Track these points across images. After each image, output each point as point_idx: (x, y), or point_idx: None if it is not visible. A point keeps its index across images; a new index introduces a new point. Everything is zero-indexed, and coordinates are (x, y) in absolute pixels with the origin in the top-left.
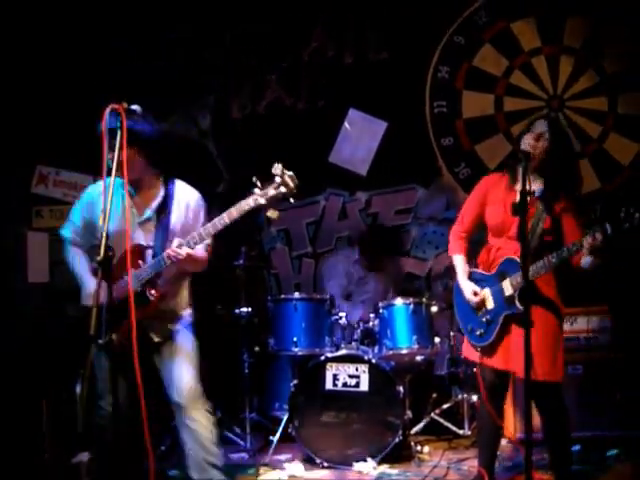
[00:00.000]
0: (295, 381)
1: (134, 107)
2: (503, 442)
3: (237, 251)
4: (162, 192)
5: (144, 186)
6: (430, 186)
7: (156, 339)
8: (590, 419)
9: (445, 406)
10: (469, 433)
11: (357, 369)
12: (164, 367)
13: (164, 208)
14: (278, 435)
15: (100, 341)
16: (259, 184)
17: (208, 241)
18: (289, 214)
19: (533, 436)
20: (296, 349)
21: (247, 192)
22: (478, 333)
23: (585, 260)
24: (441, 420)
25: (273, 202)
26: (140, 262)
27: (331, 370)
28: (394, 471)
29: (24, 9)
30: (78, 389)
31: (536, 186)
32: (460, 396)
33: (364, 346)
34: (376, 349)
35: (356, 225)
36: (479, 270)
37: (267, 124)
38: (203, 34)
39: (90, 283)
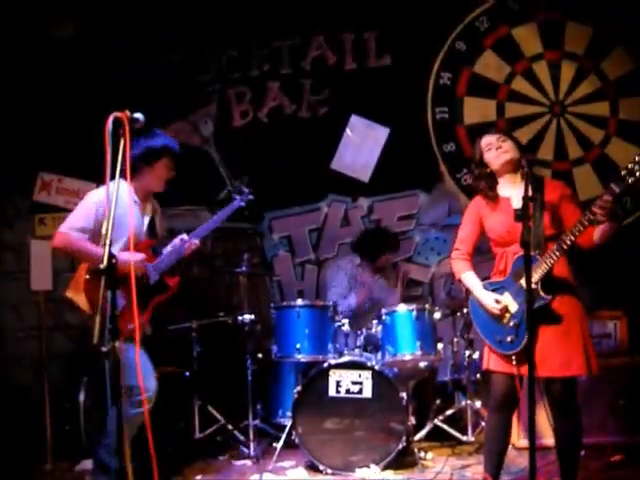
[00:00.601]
0: (298, 388)
1: (137, 115)
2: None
3: (239, 258)
4: (152, 202)
5: (146, 196)
6: (432, 192)
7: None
8: (594, 425)
9: (448, 412)
10: (472, 439)
11: (360, 376)
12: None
13: (154, 215)
14: (282, 442)
15: (103, 349)
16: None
17: None
18: (291, 221)
19: (538, 443)
20: (299, 356)
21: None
22: (509, 340)
23: (598, 233)
24: (444, 426)
25: None
26: (152, 256)
27: (334, 377)
28: (398, 477)
29: (24, 13)
30: (81, 397)
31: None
32: (463, 402)
33: (367, 353)
34: (379, 356)
35: (359, 232)
36: (490, 280)
37: (269, 131)
38: (203, 34)
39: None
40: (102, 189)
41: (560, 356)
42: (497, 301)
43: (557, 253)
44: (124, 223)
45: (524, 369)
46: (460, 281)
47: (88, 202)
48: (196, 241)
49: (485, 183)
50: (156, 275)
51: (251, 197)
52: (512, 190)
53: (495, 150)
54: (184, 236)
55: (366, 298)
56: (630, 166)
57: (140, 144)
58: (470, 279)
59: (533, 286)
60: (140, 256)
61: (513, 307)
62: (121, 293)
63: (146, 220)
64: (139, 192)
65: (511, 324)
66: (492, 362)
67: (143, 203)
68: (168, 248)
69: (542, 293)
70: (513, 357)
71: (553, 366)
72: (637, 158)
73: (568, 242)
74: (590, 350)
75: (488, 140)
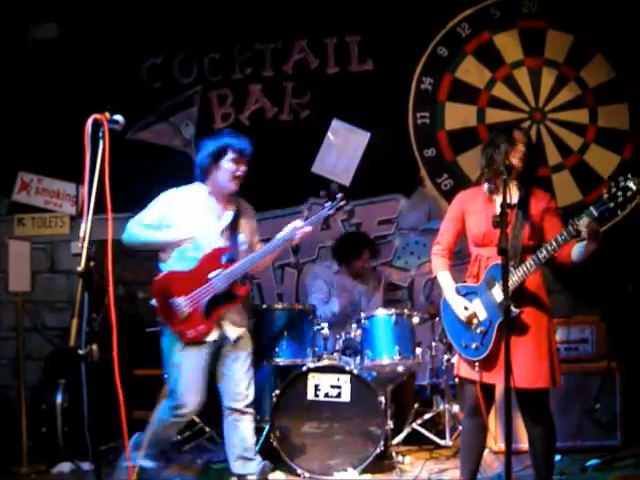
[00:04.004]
0: (277, 391)
1: (117, 117)
2: (485, 453)
3: None
4: (235, 204)
5: (224, 197)
6: (412, 196)
7: (232, 336)
8: (570, 429)
9: (427, 416)
10: (450, 443)
11: (339, 379)
12: (225, 366)
13: (237, 218)
14: (259, 445)
15: (80, 352)
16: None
17: None
18: (272, 224)
19: (515, 447)
20: (278, 359)
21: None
22: (474, 346)
23: (576, 250)
24: (422, 430)
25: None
26: (223, 261)
27: (313, 380)
28: None
29: (5, 14)
30: (58, 399)
31: (515, 194)
32: (442, 406)
33: (346, 357)
34: (358, 360)
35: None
36: (465, 283)
37: (250, 134)
38: (186, 37)
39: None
40: (170, 194)
41: (527, 368)
42: (466, 307)
43: (531, 268)
44: (192, 227)
45: (487, 377)
46: (436, 278)
47: (158, 200)
48: (309, 228)
49: (497, 172)
50: (224, 283)
51: (342, 204)
52: (501, 195)
53: (520, 150)
54: (298, 222)
55: (348, 302)
56: (613, 190)
57: (206, 145)
58: (444, 280)
59: (503, 298)
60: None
61: (482, 315)
62: (184, 301)
63: (224, 221)
64: (215, 194)
65: (477, 331)
66: (463, 369)
67: (222, 205)
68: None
69: (512, 306)
70: (476, 364)
71: (520, 378)
72: (621, 183)
73: (542, 259)
74: (555, 363)
75: (522, 138)
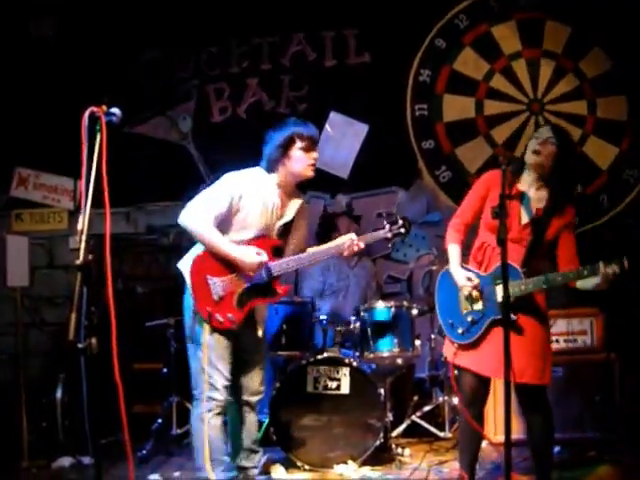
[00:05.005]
0: (276, 384)
1: (114, 110)
2: (483, 444)
3: None
4: (301, 200)
5: (293, 190)
6: (410, 189)
7: (259, 333)
8: (569, 421)
9: (426, 408)
10: (450, 435)
11: (338, 372)
12: (244, 359)
13: (296, 216)
14: (259, 438)
15: (80, 345)
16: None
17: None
18: None
19: (513, 438)
20: (277, 352)
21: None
22: (460, 331)
23: (585, 284)
24: (422, 422)
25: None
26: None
27: (312, 373)
28: (375, 474)
29: (2, 9)
30: (58, 394)
31: (541, 195)
32: (441, 398)
33: (345, 349)
34: (357, 352)
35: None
36: (472, 267)
37: (248, 127)
38: (183, 31)
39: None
40: (240, 178)
41: (528, 364)
42: (469, 279)
43: (536, 286)
44: (255, 218)
45: (462, 360)
46: (445, 250)
47: (222, 189)
48: (362, 245)
49: (513, 167)
50: (264, 276)
51: (402, 231)
52: (527, 190)
53: (536, 144)
54: (353, 235)
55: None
56: None
57: (273, 137)
58: (452, 252)
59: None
60: (257, 257)
61: (478, 305)
62: (221, 282)
63: (285, 218)
64: (286, 186)
65: (468, 318)
66: (459, 358)
67: (287, 199)
68: (312, 250)
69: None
70: (455, 345)
71: (521, 374)
72: None
73: (550, 282)
74: (548, 364)
75: (543, 133)
